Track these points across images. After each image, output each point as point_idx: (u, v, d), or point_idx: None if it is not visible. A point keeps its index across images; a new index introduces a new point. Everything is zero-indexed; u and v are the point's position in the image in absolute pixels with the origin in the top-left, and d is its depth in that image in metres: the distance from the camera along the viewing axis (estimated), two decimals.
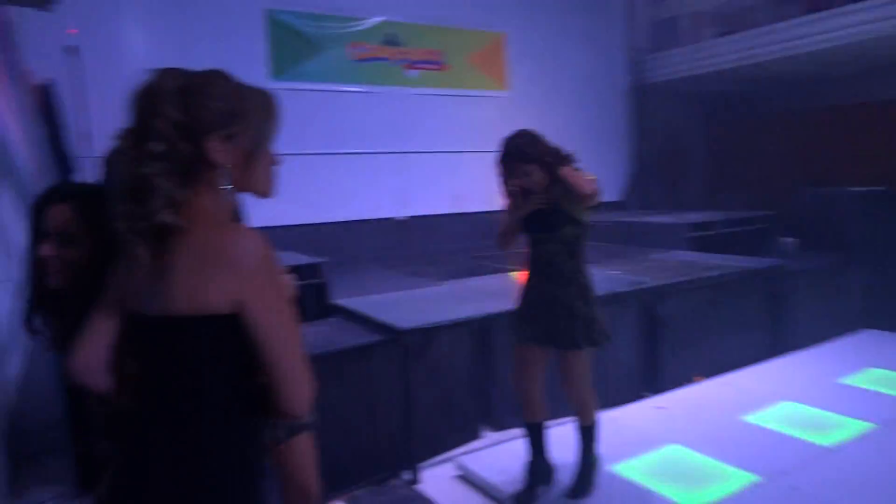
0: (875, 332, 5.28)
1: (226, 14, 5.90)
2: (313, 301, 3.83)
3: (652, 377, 4.38)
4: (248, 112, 1.18)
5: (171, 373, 1.15)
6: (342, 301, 3.84)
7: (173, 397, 1.15)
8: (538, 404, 2.78)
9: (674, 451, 3.24)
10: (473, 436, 3.74)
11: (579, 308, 2.58)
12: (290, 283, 1.33)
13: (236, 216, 1.33)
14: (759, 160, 10.45)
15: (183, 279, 1.09)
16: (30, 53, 4.58)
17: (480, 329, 3.74)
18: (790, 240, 6.00)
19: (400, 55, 6.93)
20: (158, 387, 1.16)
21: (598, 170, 8.49)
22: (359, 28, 6.69)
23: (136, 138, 1.11)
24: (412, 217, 6.77)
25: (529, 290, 2.71)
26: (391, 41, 6.87)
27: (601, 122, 8.28)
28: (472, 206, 7.03)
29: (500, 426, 3.79)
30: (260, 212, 1.71)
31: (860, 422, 3.45)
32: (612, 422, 3.67)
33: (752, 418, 3.59)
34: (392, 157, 6.75)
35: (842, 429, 3.38)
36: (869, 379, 4.14)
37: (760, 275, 4.88)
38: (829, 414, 3.58)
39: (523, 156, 2.52)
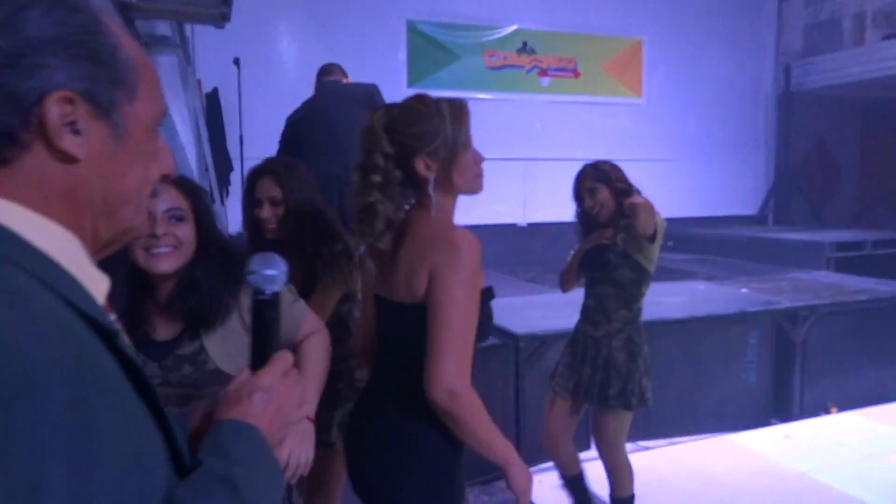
0: None
1: (370, 25, 6.28)
2: None
3: (782, 404, 4.14)
4: (443, 126, 1.36)
5: (395, 348, 1.43)
6: None
7: (396, 370, 1.42)
8: (567, 459, 2.66)
9: (799, 482, 3.07)
10: (584, 446, 3.74)
11: (621, 363, 2.40)
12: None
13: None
14: None
15: (404, 275, 1.36)
16: (201, 64, 5.18)
17: None
18: None
19: (533, 63, 7.00)
20: (387, 358, 1.47)
21: (734, 182, 8.08)
22: (494, 37, 6.85)
23: (361, 172, 1.38)
24: (534, 223, 6.82)
25: (575, 335, 2.58)
26: (525, 49, 6.96)
27: (740, 131, 7.86)
28: None
29: None
30: None
31: None
32: (733, 446, 3.54)
33: (893, 459, 3.30)
34: (520, 163, 6.85)
35: None
36: None
37: None
38: None
39: (597, 173, 2.41)
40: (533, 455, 3.46)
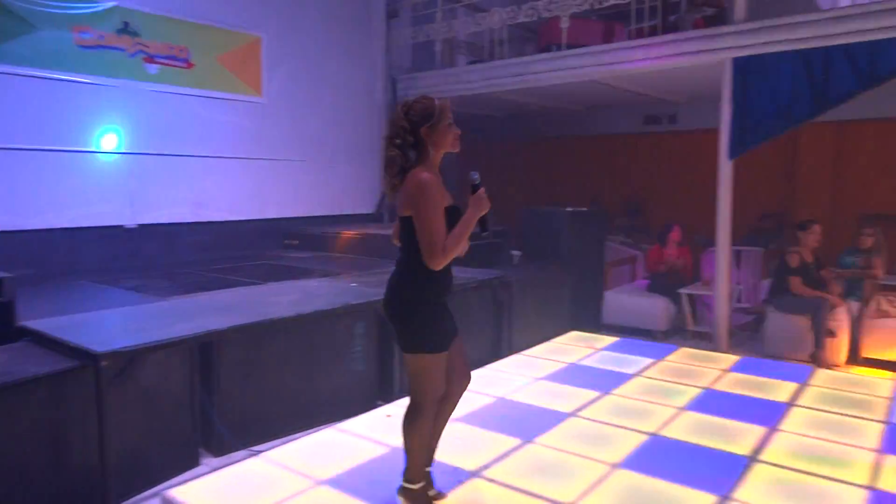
0: (580, 333, 6.07)
1: None
2: None
3: (386, 386, 4.51)
4: (434, 110, 2.52)
5: (402, 236, 2.59)
6: (31, 322, 3.33)
7: (403, 246, 2.59)
8: None
9: (395, 455, 3.35)
10: (193, 463, 3.49)
11: None
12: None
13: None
14: (497, 181, 11.51)
15: (402, 199, 2.49)
16: None
17: (201, 347, 3.51)
18: (517, 252, 6.64)
19: (137, 47, 6.30)
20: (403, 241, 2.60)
21: (353, 182, 8.55)
22: (85, 11, 5.94)
23: (388, 137, 2.54)
24: (145, 225, 6.17)
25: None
26: (127, 30, 6.23)
27: (358, 136, 8.39)
28: (216, 216, 6.66)
29: (221, 451, 3.59)
30: None
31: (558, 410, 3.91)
32: (342, 434, 3.69)
33: (465, 418, 3.87)
34: (124, 158, 6.10)
35: (539, 419, 3.80)
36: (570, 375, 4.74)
37: (486, 285, 5.31)
38: (532, 406, 4.01)
39: None
40: (138, 482, 3.06)
